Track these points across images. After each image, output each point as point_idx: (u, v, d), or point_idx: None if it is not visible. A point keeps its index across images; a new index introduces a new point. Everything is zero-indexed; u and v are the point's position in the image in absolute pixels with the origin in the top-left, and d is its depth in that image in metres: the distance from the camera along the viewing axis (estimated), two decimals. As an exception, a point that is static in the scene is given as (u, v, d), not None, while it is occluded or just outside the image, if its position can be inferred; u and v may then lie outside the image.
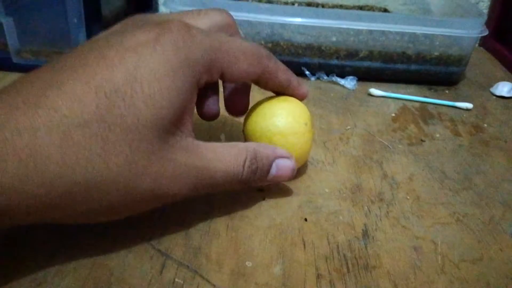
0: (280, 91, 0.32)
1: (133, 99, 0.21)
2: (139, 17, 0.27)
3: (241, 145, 0.27)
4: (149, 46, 0.22)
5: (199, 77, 0.24)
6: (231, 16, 0.29)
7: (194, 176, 0.24)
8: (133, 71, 0.22)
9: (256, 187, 0.32)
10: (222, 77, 0.27)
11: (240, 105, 0.33)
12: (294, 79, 0.32)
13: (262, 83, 0.30)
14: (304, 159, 0.33)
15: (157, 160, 0.23)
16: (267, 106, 0.31)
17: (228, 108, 0.33)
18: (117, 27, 0.26)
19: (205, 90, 0.30)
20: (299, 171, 0.34)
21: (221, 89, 0.32)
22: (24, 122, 0.20)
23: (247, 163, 0.27)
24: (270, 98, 0.32)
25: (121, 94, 0.21)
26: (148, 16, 0.27)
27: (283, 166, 0.29)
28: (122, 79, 0.21)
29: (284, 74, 0.30)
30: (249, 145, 0.27)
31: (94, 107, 0.21)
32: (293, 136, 0.30)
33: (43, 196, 0.20)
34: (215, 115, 0.31)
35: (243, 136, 0.33)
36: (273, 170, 0.28)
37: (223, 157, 0.26)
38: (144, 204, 0.24)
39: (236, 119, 0.38)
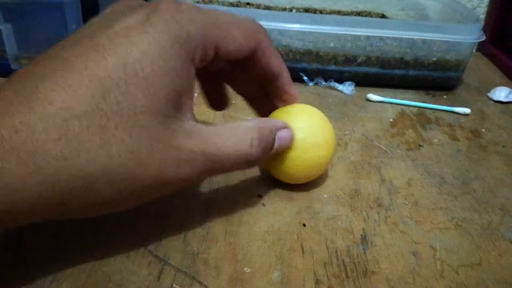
0: (268, 81, 0.31)
1: (127, 85, 0.21)
2: None
3: (243, 124, 0.27)
4: (139, 28, 0.22)
5: (193, 54, 0.24)
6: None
7: (201, 161, 0.24)
8: (124, 55, 0.21)
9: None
10: (216, 53, 0.25)
11: (221, 97, 0.34)
12: (286, 73, 0.31)
13: (252, 64, 0.29)
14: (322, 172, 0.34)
15: (160, 147, 0.22)
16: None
17: (210, 102, 0.34)
18: (108, 10, 0.26)
19: (211, 81, 0.33)
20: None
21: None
22: (20, 118, 0.19)
23: (255, 142, 0.26)
24: (290, 107, 0.32)
25: (115, 80, 0.21)
26: None
27: (283, 137, 0.29)
28: (115, 65, 0.21)
29: (277, 59, 0.29)
30: (251, 123, 0.27)
31: (90, 97, 0.20)
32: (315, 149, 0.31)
33: (45, 193, 0.20)
34: (226, 104, 0.34)
35: None
36: (276, 143, 0.28)
37: (229, 140, 0.25)
38: (151, 192, 0.24)
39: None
